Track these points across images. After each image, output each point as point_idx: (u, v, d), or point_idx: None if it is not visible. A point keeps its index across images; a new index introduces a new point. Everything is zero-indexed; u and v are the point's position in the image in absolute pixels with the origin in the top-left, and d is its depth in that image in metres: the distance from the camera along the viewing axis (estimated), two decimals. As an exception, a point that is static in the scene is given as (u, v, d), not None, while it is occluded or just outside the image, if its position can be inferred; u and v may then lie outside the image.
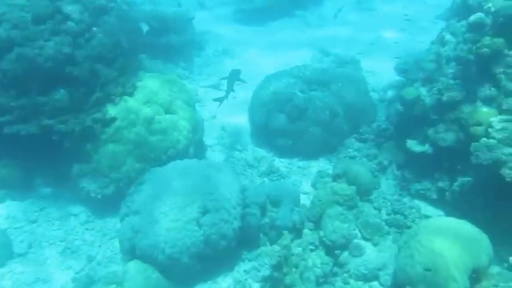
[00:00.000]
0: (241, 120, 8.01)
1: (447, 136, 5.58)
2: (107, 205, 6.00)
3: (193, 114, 6.64)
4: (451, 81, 5.71)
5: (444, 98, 5.62)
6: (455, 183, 5.49)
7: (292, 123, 6.98)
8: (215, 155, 7.27)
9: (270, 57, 10.23)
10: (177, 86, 6.66)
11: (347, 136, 7.15)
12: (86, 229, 5.96)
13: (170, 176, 5.42)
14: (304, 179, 6.76)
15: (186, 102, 6.63)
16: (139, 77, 6.54)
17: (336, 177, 5.66)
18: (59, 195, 6.27)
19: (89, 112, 6.01)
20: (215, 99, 6.78)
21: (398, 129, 6.72)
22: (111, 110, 6.11)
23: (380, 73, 9.61)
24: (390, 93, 8.30)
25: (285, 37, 11.13)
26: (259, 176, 6.86)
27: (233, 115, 8.18)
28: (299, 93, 7.06)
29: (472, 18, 5.60)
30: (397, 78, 8.28)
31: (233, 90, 6.84)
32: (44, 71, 5.88)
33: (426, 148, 5.83)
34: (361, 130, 7.14)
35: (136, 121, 6.10)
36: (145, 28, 9.77)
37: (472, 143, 4.97)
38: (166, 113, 6.36)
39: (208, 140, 7.45)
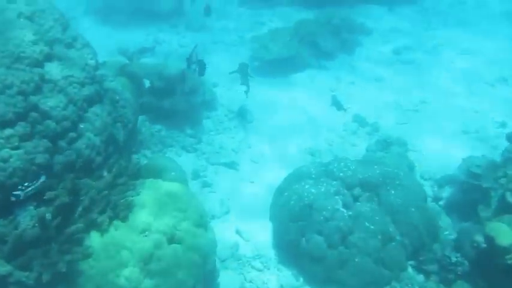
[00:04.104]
0: (260, 225, 6.36)
1: None
2: None
3: (205, 238, 5.03)
4: None
5: None
6: None
7: (332, 248, 5.34)
8: (229, 282, 5.64)
9: (293, 121, 8.62)
10: (185, 202, 5.05)
11: (404, 266, 5.49)
12: None
13: None
14: (349, 331, 5.16)
15: (196, 223, 5.02)
16: (136, 190, 4.95)
17: None
18: None
19: (63, 247, 4.40)
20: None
21: (477, 269, 5.09)
22: (95, 241, 4.52)
23: (429, 152, 7.93)
24: (449, 191, 6.68)
25: (312, 95, 9.42)
26: (288, 322, 5.27)
27: (250, 217, 6.54)
28: (343, 209, 5.42)
29: None
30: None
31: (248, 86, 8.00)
32: (6, 189, 4.33)
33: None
34: (421, 258, 5.49)
35: (129, 260, 4.50)
36: (147, 84, 8.25)
37: None
38: (169, 243, 4.75)
39: (220, 251, 5.81)
